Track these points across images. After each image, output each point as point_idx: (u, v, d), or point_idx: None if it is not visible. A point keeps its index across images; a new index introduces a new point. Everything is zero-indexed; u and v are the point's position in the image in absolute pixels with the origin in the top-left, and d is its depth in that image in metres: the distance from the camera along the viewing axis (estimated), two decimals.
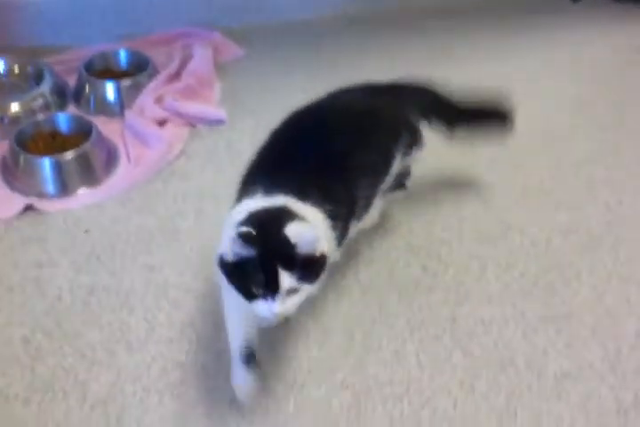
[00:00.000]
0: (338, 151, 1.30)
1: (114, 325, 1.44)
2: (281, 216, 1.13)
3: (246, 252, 1.07)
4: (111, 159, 1.81)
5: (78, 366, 1.37)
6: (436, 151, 1.57)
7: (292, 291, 1.09)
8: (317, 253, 1.10)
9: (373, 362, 1.38)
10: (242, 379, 1.25)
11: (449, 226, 1.65)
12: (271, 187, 1.20)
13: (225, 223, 1.18)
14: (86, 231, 1.64)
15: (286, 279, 1.07)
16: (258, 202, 1.18)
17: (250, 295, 1.10)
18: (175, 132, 1.89)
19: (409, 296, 1.49)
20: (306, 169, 1.25)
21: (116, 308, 1.47)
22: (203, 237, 1.61)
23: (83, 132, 1.79)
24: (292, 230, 1.09)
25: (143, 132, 1.87)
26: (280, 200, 1.17)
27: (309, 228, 1.11)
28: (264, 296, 1.08)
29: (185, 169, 1.81)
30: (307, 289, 1.11)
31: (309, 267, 1.10)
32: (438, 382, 1.34)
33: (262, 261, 1.07)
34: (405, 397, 1.32)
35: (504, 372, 1.36)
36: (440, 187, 1.74)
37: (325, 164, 1.27)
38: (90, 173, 1.75)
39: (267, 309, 1.08)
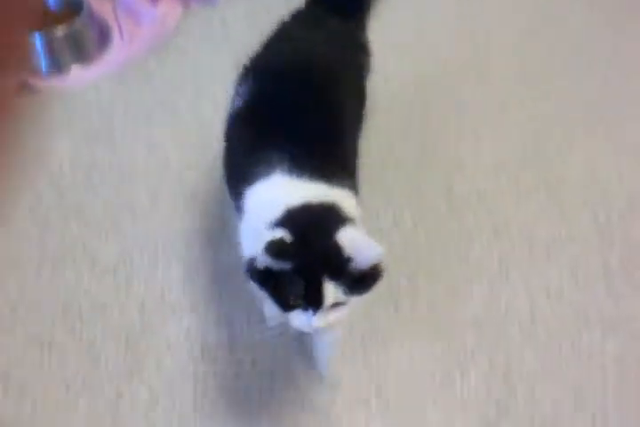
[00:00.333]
0: (336, 112, 1.13)
1: (117, 198, 1.47)
2: (329, 218, 0.94)
3: (281, 265, 0.90)
4: (104, 37, 1.78)
5: (85, 236, 1.41)
6: None
7: (337, 304, 0.92)
8: (374, 267, 0.92)
9: (372, 229, 1.42)
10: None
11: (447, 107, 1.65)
12: (296, 166, 1.01)
13: (247, 210, 1.02)
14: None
15: (331, 292, 0.90)
16: (292, 189, 0.99)
17: (286, 306, 0.93)
18: (168, 9, 1.84)
19: (406, 170, 1.53)
20: (319, 140, 1.07)
21: (119, 182, 1.50)
22: (202, 114, 1.61)
23: (74, 10, 1.75)
24: (346, 239, 0.91)
25: (136, 10, 1.82)
26: (320, 190, 0.99)
27: (364, 236, 0.93)
28: (303, 308, 0.92)
29: (180, 47, 1.78)
30: (355, 301, 0.94)
31: (362, 279, 0.92)
32: (433, 247, 1.40)
33: (304, 271, 0.90)
34: (403, 261, 1.36)
35: (497, 238, 1.41)
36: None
37: (332, 131, 1.10)
38: (82, 50, 1.72)
39: (304, 321, 0.92)
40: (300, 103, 1.09)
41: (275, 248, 0.87)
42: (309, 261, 0.89)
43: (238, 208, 1.06)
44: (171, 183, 1.49)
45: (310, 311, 0.91)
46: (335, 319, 0.93)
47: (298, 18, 1.30)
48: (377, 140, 1.46)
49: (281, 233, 0.89)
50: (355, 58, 1.28)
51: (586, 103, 1.65)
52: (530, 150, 1.56)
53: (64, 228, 1.42)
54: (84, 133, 1.59)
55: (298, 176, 1.00)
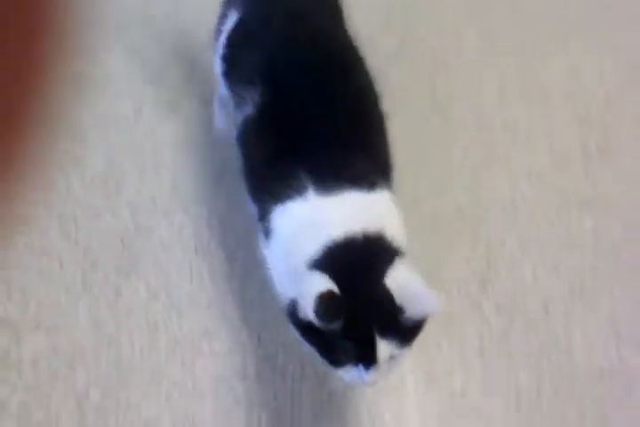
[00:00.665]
0: (362, 100, 1.02)
1: (101, 107, 1.47)
2: (376, 254, 0.85)
3: (330, 326, 0.80)
4: None
5: (71, 145, 1.42)
6: None
7: (390, 358, 0.85)
8: (426, 315, 0.82)
9: None
10: None
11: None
12: (332, 178, 0.89)
13: (277, 233, 0.91)
14: None
15: (385, 348, 0.82)
16: (330, 210, 0.88)
17: (335, 363, 0.85)
18: None
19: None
20: (353, 140, 0.95)
21: (102, 92, 1.49)
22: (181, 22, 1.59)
23: None
24: (396, 284, 0.82)
25: None
26: (361, 205, 0.89)
27: (415, 276, 0.83)
28: (355, 365, 0.84)
29: None
30: (407, 351, 0.85)
31: (414, 329, 0.84)
32: (419, 144, 1.41)
33: (354, 327, 0.81)
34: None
35: (480, 133, 1.44)
36: None
37: (362, 125, 0.99)
38: None
39: (357, 377, 0.84)
40: (324, 100, 0.97)
41: (326, 309, 0.77)
42: (361, 318, 0.80)
43: (265, 229, 0.95)
44: (153, 91, 1.49)
45: (362, 367, 0.83)
46: (388, 372, 0.86)
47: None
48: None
49: (328, 283, 0.79)
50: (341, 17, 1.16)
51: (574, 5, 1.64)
52: (513, 49, 1.56)
53: None
54: None
55: (335, 191, 0.89)
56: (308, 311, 0.78)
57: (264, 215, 0.94)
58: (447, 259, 1.27)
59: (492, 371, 1.18)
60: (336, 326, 0.79)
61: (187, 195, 1.35)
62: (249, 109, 1.00)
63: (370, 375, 0.83)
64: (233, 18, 1.13)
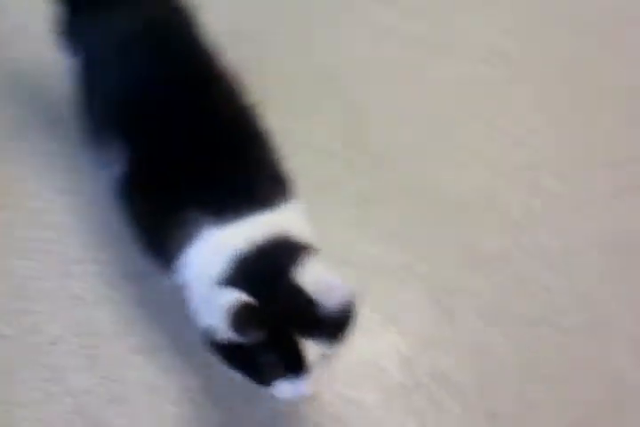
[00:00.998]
0: (229, 113, 0.95)
1: None
2: (283, 256, 0.80)
3: (250, 338, 0.74)
4: None
5: None
6: None
7: (322, 359, 0.78)
8: (347, 304, 0.78)
9: None
10: None
11: None
12: (225, 208, 0.85)
13: (190, 276, 0.86)
14: None
15: (313, 351, 0.76)
16: (232, 236, 0.84)
17: (265, 380, 0.78)
18: None
19: None
20: (235, 163, 0.90)
21: None
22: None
23: None
24: (306, 280, 0.77)
25: None
26: (262, 222, 0.85)
27: (324, 268, 0.79)
28: (286, 377, 0.77)
29: None
30: (339, 347, 0.79)
31: (338, 324, 0.78)
32: None
33: (278, 336, 0.75)
34: None
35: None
36: None
37: (239, 141, 0.93)
38: None
39: (293, 391, 0.78)
40: (195, 136, 0.90)
41: (240, 320, 0.72)
42: (280, 323, 0.75)
43: (177, 279, 0.89)
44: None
45: (295, 378, 0.77)
46: (324, 373, 0.79)
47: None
48: None
49: (238, 295, 0.74)
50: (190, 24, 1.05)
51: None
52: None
53: None
54: None
55: (236, 219, 0.85)
56: (224, 328, 0.73)
57: (169, 265, 0.89)
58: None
59: None
60: (257, 337, 0.74)
61: None
62: (121, 166, 0.93)
63: (304, 385, 0.77)
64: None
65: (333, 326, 0.77)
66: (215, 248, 0.83)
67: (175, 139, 0.90)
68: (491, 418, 0.97)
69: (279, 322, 0.75)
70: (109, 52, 1.00)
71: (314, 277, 0.77)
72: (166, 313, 1.02)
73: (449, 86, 1.34)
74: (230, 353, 0.77)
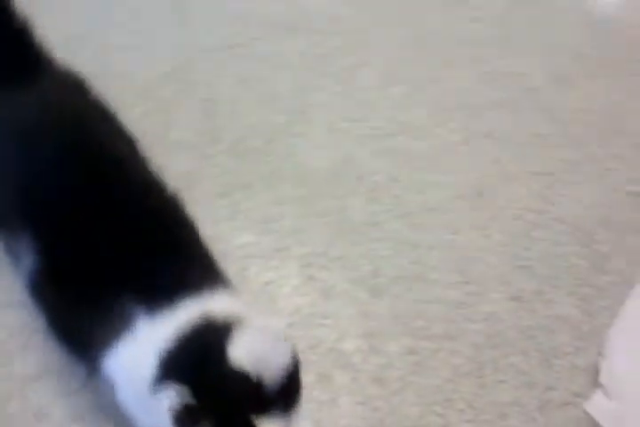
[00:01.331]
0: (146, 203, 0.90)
1: None
2: (211, 340, 0.75)
3: None
4: None
5: None
6: None
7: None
8: (288, 367, 0.73)
9: None
10: None
11: None
12: (153, 301, 0.80)
13: (120, 376, 0.80)
14: None
15: (272, 425, 0.72)
16: (162, 330, 0.78)
17: None
18: None
19: None
20: (162, 255, 0.85)
21: None
22: None
23: None
24: (240, 357, 0.72)
25: None
26: (190, 308, 0.79)
27: (254, 336, 0.75)
28: None
29: None
30: (298, 409, 0.75)
31: (289, 390, 0.74)
32: None
33: (228, 423, 0.71)
34: None
35: None
36: None
37: (163, 230, 0.88)
38: None
39: None
40: (111, 228, 0.85)
41: (187, 424, 0.68)
42: (230, 410, 0.70)
43: (101, 375, 0.83)
44: None
45: None
46: None
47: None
48: None
49: (177, 393, 0.69)
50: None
51: None
52: None
53: None
54: None
55: (161, 310, 0.79)
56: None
57: (96, 363, 0.82)
58: None
59: None
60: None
61: None
62: (32, 263, 0.87)
63: None
64: None
65: (283, 395, 0.73)
66: (142, 345, 0.78)
67: (85, 227, 0.85)
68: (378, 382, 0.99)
69: (228, 409, 0.71)
70: (9, 136, 0.95)
71: (247, 354, 0.73)
72: None
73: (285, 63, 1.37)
74: None
